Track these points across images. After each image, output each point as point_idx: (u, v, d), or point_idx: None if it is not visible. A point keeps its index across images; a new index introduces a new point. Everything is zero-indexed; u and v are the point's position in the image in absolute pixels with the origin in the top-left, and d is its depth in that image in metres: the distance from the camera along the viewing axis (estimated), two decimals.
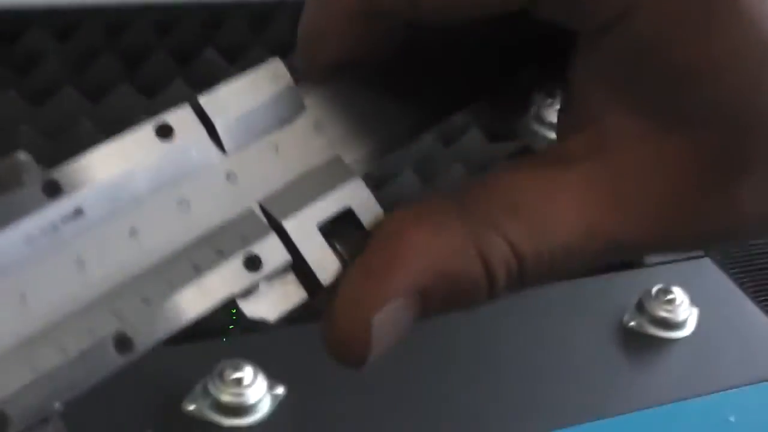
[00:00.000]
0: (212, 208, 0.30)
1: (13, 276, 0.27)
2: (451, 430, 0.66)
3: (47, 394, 0.27)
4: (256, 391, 0.65)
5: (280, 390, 0.66)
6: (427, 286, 0.29)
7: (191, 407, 0.64)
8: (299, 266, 0.30)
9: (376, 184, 0.29)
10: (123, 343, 0.28)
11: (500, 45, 0.35)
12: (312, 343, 0.67)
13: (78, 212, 0.28)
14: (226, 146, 0.31)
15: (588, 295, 0.77)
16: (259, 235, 0.30)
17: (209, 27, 0.88)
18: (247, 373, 0.65)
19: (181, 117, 0.30)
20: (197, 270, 0.29)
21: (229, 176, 0.31)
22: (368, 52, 0.33)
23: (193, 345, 0.67)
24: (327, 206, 0.31)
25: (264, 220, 0.31)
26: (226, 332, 0.69)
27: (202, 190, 0.30)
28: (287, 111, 0.32)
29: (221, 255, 0.29)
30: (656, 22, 0.28)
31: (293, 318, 0.70)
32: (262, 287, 0.30)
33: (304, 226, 0.30)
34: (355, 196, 0.31)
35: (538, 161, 0.30)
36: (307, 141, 0.32)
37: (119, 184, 0.29)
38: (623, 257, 0.31)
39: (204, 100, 0.31)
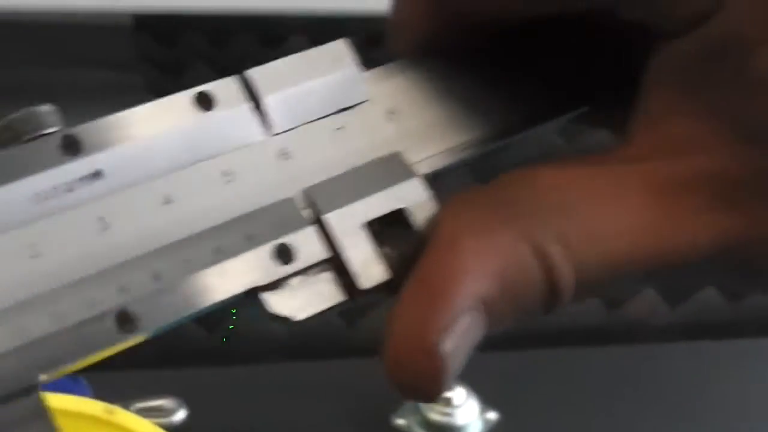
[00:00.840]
0: (256, 186, 0.28)
1: (19, 232, 0.26)
2: None
3: (32, 363, 0.25)
4: (467, 412, 0.64)
5: (492, 415, 0.64)
6: (493, 293, 0.26)
7: (400, 422, 0.63)
8: (338, 265, 0.28)
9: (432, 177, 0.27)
10: (125, 320, 0.26)
11: (575, 48, 0.32)
12: (530, 370, 0.67)
13: (97, 174, 0.26)
14: (276, 123, 0.28)
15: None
16: (297, 226, 0.28)
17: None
18: (458, 393, 0.64)
19: (224, 88, 0.28)
20: (219, 253, 0.27)
21: (281, 156, 0.28)
22: (453, 42, 0.30)
23: None
24: (379, 203, 0.28)
25: (306, 209, 0.28)
26: None
27: (249, 165, 0.28)
28: (349, 95, 0.29)
29: (250, 240, 0.27)
30: (742, 22, 0.25)
31: (512, 342, 0.69)
32: (294, 282, 0.27)
33: (350, 222, 0.28)
34: (412, 197, 0.28)
35: (595, 160, 0.27)
36: (375, 130, 0.29)
37: (149, 148, 0.27)
38: (676, 272, 0.27)
39: (253, 73, 0.28)
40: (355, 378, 0.64)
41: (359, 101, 0.29)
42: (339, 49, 0.29)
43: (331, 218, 0.28)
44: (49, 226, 0.26)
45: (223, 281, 0.27)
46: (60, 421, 0.49)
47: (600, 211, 0.26)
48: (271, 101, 0.28)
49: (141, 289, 0.26)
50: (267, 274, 0.27)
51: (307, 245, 0.27)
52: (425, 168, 0.29)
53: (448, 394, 0.63)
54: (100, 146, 0.27)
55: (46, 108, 0.27)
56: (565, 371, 0.68)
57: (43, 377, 0.25)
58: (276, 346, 0.65)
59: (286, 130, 0.29)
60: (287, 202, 0.28)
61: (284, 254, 0.27)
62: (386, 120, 0.30)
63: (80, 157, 0.26)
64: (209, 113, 0.28)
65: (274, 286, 0.27)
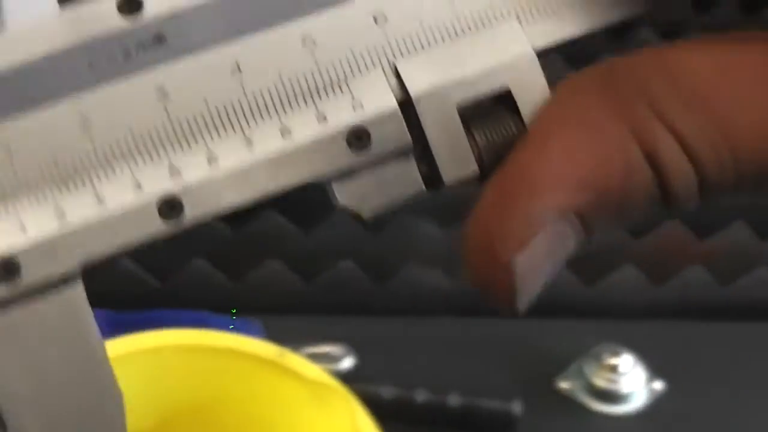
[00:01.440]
0: (339, 55, 0.24)
1: (70, 102, 0.23)
2: None
3: (70, 250, 0.23)
4: (633, 380, 0.63)
5: (658, 385, 0.63)
6: (586, 202, 0.23)
7: (563, 385, 0.63)
8: (421, 152, 0.24)
9: None
10: (171, 207, 0.23)
11: None
12: (702, 343, 0.65)
13: (158, 38, 0.24)
14: None
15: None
16: (378, 106, 0.24)
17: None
18: (625, 360, 0.63)
19: None
20: (287, 134, 0.24)
21: (374, 18, 0.25)
22: None
23: (575, 322, 0.65)
24: (480, 81, 0.24)
25: (393, 84, 0.25)
26: (606, 313, 0.67)
27: (334, 28, 0.24)
28: None
29: (324, 121, 0.24)
30: None
31: (686, 313, 0.68)
32: (368, 171, 0.24)
33: (442, 103, 0.24)
34: (521, 75, 0.24)
35: (717, 40, 0.23)
36: None
37: (219, 9, 0.24)
38: None
39: None
40: (520, 338, 0.64)
41: None
42: None
43: (422, 98, 0.24)
44: (104, 96, 0.24)
45: (287, 168, 0.24)
46: (233, 361, 0.51)
47: (725, 99, 0.23)
48: None
49: (193, 173, 0.24)
50: (337, 161, 0.24)
51: (389, 129, 0.24)
52: (543, 40, 0.25)
53: (614, 361, 0.62)
54: (162, 7, 0.24)
55: None
56: (739, 347, 0.66)
57: (79, 265, 0.23)
58: (445, 300, 0.66)
59: None
60: (372, 76, 0.24)
61: (360, 139, 0.24)
62: None
63: (140, 19, 0.24)
64: None
65: (345, 174, 0.24)
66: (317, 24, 0.24)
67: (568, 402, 0.62)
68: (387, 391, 0.57)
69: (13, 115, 0.23)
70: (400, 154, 0.24)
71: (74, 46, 0.24)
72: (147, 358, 0.50)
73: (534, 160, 0.23)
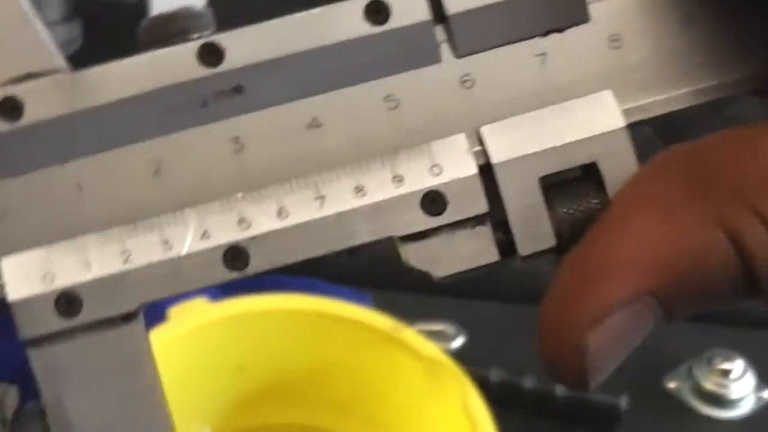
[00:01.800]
0: (422, 117, 0.24)
1: (145, 146, 0.23)
2: None
3: (132, 291, 0.23)
4: (742, 387, 0.62)
5: (766, 393, 0.62)
6: (662, 285, 0.22)
7: (671, 385, 0.62)
8: (497, 221, 0.24)
9: None
10: (237, 257, 0.23)
11: None
12: None
13: (237, 89, 0.24)
14: (462, 44, 0.24)
15: None
16: (457, 171, 0.23)
17: None
18: (737, 366, 0.62)
19: None
20: (360, 192, 0.23)
21: (461, 83, 0.24)
22: None
23: (688, 324, 0.64)
24: (565, 154, 0.23)
25: (474, 150, 0.24)
26: (720, 319, 0.66)
27: (420, 91, 0.24)
28: (561, 14, 0.24)
29: (399, 182, 0.23)
30: None
31: None
32: (441, 234, 0.24)
33: (524, 174, 0.23)
34: (610, 149, 0.23)
35: None
36: (588, 59, 0.24)
37: (301, 63, 0.24)
38: None
39: None
40: None
41: (575, 22, 0.24)
42: None
43: (503, 167, 0.23)
44: (178, 143, 0.24)
45: (356, 227, 0.23)
46: (349, 330, 0.52)
47: None
48: (459, 16, 0.24)
49: (262, 225, 0.23)
50: (410, 224, 0.23)
51: (466, 196, 0.23)
52: (636, 115, 0.24)
53: (725, 366, 0.61)
54: (244, 58, 0.24)
55: (199, 9, 0.24)
56: None
57: (139, 306, 0.23)
58: None
59: (473, 53, 0.24)
60: (454, 140, 0.24)
61: (435, 203, 0.23)
62: (607, 47, 0.24)
63: (220, 69, 0.24)
64: (381, 27, 0.24)
65: (417, 237, 0.24)
66: (402, 84, 0.24)
67: (674, 402, 0.62)
68: (495, 375, 0.57)
69: (87, 155, 0.24)
70: (475, 221, 0.24)
71: (152, 91, 0.24)
72: (263, 320, 0.51)
73: (610, 242, 0.23)
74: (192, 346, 0.50)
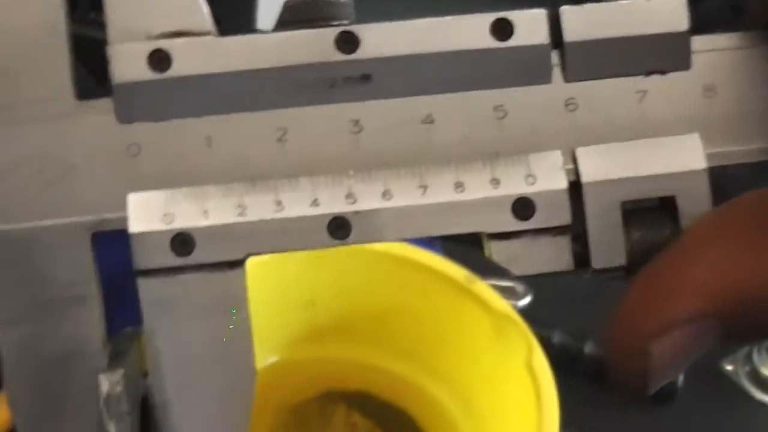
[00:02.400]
0: (525, 130, 0.26)
1: (273, 114, 0.26)
2: None
3: (241, 242, 0.25)
4: None
5: None
6: (726, 311, 0.24)
7: (728, 368, 0.62)
8: (576, 234, 0.26)
9: None
10: (340, 227, 0.25)
11: None
12: None
13: (365, 78, 0.26)
14: (573, 70, 0.26)
15: None
16: (549, 183, 0.26)
17: None
18: None
19: (528, 19, 0.26)
20: (460, 188, 0.26)
21: (565, 105, 0.26)
22: None
23: None
24: (648, 185, 0.26)
25: (567, 167, 0.26)
26: None
27: (527, 106, 0.26)
28: (666, 58, 0.26)
29: (496, 185, 0.26)
30: None
31: None
32: (524, 237, 0.26)
33: (608, 196, 0.26)
34: (689, 188, 0.26)
35: None
36: (683, 104, 0.26)
37: (426, 63, 0.26)
38: None
39: (566, 11, 0.26)
40: None
41: (677, 68, 0.26)
42: (673, 4, 0.26)
43: (591, 187, 0.26)
44: (303, 116, 0.26)
45: (451, 217, 0.26)
46: (421, 276, 0.52)
47: None
48: (575, 45, 0.26)
49: (367, 202, 0.26)
50: (499, 224, 0.26)
51: (553, 207, 0.26)
52: (717, 160, 0.26)
53: None
54: (376, 50, 0.26)
55: None
56: None
57: (242, 256, 0.26)
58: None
59: (582, 80, 0.26)
60: (550, 155, 0.26)
61: (525, 209, 0.26)
62: (701, 95, 0.26)
63: (353, 57, 0.26)
64: (504, 42, 0.26)
65: (503, 236, 0.26)
66: (512, 97, 0.26)
67: (729, 385, 0.62)
68: (557, 337, 0.58)
69: (220, 113, 0.26)
70: (557, 231, 0.26)
71: (288, 66, 0.26)
72: (339, 257, 0.52)
73: (683, 264, 0.25)
74: (267, 276, 0.51)
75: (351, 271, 0.52)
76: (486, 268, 0.61)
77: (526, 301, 0.61)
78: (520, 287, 0.61)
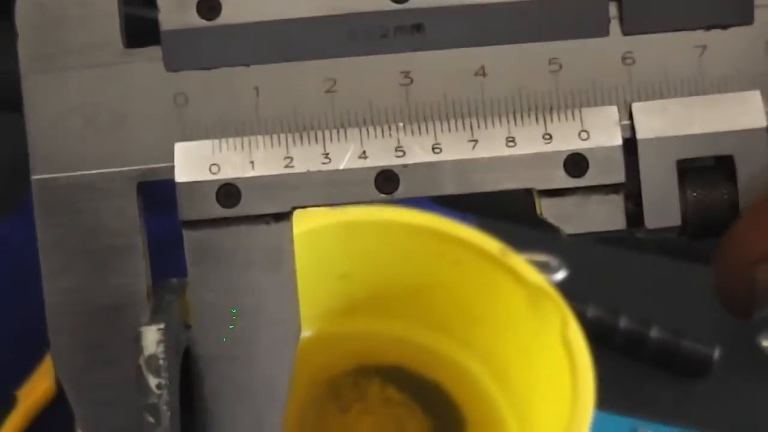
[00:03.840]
0: (579, 83, 0.25)
1: (323, 64, 0.25)
2: None
3: (287, 195, 0.25)
4: None
5: None
6: None
7: (765, 343, 0.62)
8: (630, 193, 0.25)
9: None
10: (388, 180, 0.25)
11: None
12: None
13: (417, 27, 0.25)
14: (631, 23, 0.25)
15: None
16: (603, 139, 0.25)
17: None
18: None
19: None
20: (511, 143, 0.25)
21: (622, 59, 0.25)
22: None
23: None
24: (706, 143, 0.25)
25: (623, 123, 0.25)
26: None
27: (582, 58, 0.25)
28: (728, 12, 0.25)
29: (548, 140, 0.25)
30: None
31: None
32: (576, 195, 0.26)
33: (664, 154, 0.25)
34: (748, 147, 0.25)
35: None
36: (744, 60, 0.25)
37: (480, 14, 0.25)
38: None
39: None
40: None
41: (739, 22, 0.25)
42: None
43: (647, 144, 0.25)
44: (353, 66, 0.25)
45: (501, 173, 0.25)
46: (455, 249, 0.52)
47: None
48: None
49: (416, 155, 0.25)
50: (551, 180, 0.25)
51: (607, 164, 0.25)
52: None
53: None
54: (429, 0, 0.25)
55: None
56: None
57: (290, 208, 0.25)
58: (660, 241, 0.65)
59: (639, 33, 0.25)
60: (605, 111, 0.25)
61: (577, 165, 0.25)
62: (764, 51, 0.25)
63: (405, 6, 0.25)
64: None
65: (554, 193, 0.25)
66: (567, 49, 0.25)
67: (764, 360, 0.61)
68: (592, 311, 0.57)
69: (269, 62, 0.25)
70: (611, 189, 0.25)
71: (339, 15, 0.25)
72: (374, 230, 0.52)
73: None
74: (302, 249, 0.51)
75: (385, 244, 0.52)
76: (522, 243, 0.61)
77: (560, 275, 0.61)
78: (554, 262, 0.61)
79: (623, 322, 0.58)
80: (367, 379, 0.54)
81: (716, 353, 0.58)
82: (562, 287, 0.54)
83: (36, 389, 0.56)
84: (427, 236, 0.52)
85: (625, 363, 0.58)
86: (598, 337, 0.55)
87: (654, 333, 0.58)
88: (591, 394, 0.46)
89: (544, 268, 0.59)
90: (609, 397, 0.49)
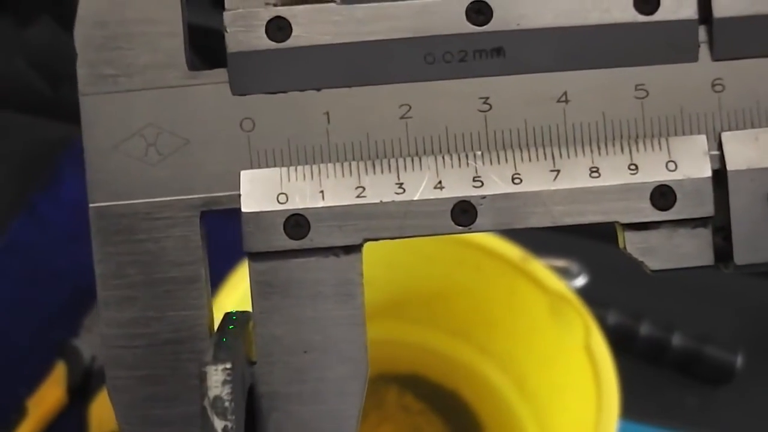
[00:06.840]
0: (668, 110, 0.24)
1: (398, 88, 0.24)
2: None
3: (358, 227, 0.24)
4: None
5: None
6: None
7: None
8: (719, 226, 0.24)
9: None
10: (465, 212, 0.24)
11: None
12: None
13: (497, 51, 0.24)
14: (720, 48, 0.24)
15: None
16: (692, 170, 0.24)
17: None
18: None
19: None
20: (594, 173, 0.24)
21: (712, 85, 0.24)
22: None
23: None
24: None
25: (712, 154, 0.24)
26: None
27: (670, 84, 0.24)
28: None
29: (635, 170, 0.24)
30: None
31: None
32: (662, 228, 0.24)
33: (754, 185, 0.24)
34: None
35: None
36: None
37: (562, 38, 0.24)
38: None
39: None
40: (753, 295, 0.62)
41: None
42: None
43: (737, 175, 0.24)
44: (430, 91, 0.24)
45: (584, 205, 0.24)
46: (476, 256, 0.51)
47: None
48: (725, 20, 0.24)
49: (495, 186, 0.24)
50: (636, 213, 0.24)
51: (695, 196, 0.24)
52: None
53: None
54: (510, 22, 0.24)
55: None
56: None
57: (362, 240, 0.24)
58: None
59: (730, 59, 0.24)
60: (694, 140, 0.24)
61: (664, 197, 0.24)
62: None
63: (485, 29, 0.24)
64: (648, 17, 0.24)
65: (639, 226, 0.24)
66: (655, 75, 0.24)
67: None
68: (613, 317, 0.57)
69: (342, 86, 0.24)
70: (699, 222, 0.24)
71: (417, 37, 0.24)
72: None
73: None
74: None
75: (407, 250, 0.51)
76: (543, 248, 0.60)
77: (581, 281, 0.60)
78: (574, 267, 0.60)
79: (645, 328, 0.57)
80: (385, 387, 0.53)
81: (739, 360, 0.57)
82: (583, 293, 0.53)
83: (46, 399, 0.55)
84: (448, 242, 0.51)
85: (647, 369, 0.57)
86: (620, 343, 0.54)
87: (676, 339, 0.57)
88: (616, 403, 0.45)
89: (565, 273, 0.58)
90: (630, 405, 0.48)
